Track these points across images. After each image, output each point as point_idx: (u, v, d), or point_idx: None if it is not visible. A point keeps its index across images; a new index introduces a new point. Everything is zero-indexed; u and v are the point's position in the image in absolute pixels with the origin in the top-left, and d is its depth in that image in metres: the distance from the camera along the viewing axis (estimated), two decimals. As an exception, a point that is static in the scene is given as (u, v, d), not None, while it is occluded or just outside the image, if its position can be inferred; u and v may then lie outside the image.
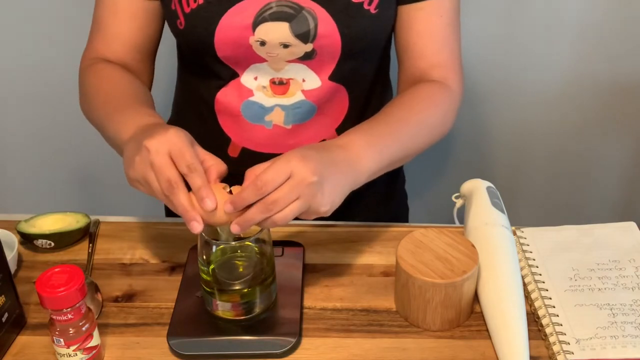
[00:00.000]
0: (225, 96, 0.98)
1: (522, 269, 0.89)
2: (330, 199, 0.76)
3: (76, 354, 0.75)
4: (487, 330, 0.81)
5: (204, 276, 0.81)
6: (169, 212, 1.18)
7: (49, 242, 0.93)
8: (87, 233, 0.96)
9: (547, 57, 1.46)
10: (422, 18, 0.94)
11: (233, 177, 1.04)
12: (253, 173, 0.76)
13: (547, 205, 1.67)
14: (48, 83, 1.52)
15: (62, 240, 0.94)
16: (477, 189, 0.93)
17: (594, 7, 1.40)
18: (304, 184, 0.73)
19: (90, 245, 0.94)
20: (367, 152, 0.82)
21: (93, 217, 0.98)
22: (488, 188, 0.93)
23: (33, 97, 1.56)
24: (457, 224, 0.98)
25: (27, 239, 0.93)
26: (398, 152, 0.87)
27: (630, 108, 1.53)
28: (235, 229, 0.75)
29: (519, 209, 1.62)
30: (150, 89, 1.02)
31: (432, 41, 0.96)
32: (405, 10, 0.95)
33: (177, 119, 1.08)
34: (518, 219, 1.05)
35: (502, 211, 0.91)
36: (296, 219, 0.76)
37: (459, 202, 0.97)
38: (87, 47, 1.00)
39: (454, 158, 1.61)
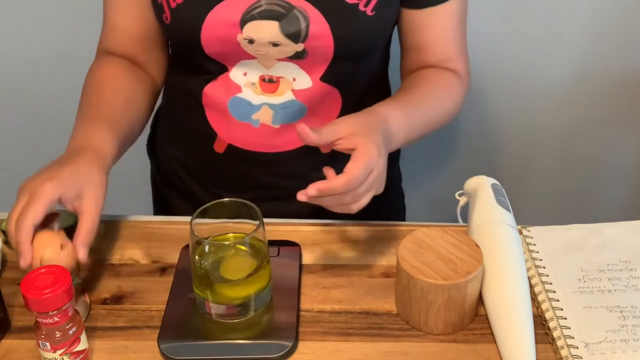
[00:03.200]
0: (212, 90, 0.97)
1: (528, 269, 0.88)
2: None
3: (63, 359, 0.74)
4: (492, 333, 0.80)
5: (196, 277, 0.80)
6: (158, 210, 1.18)
7: (34, 241, 0.91)
8: (74, 232, 0.92)
9: (555, 49, 1.46)
10: (435, 22, 0.96)
11: (218, 174, 1.04)
12: (334, 134, 0.80)
13: (555, 203, 1.68)
14: (26, 77, 1.52)
15: (48, 239, 0.92)
16: (482, 186, 0.92)
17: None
18: (380, 180, 0.81)
19: (78, 244, 0.93)
20: (399, 135, 0.88)
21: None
22: (493, 185, 0.92)
23: (11, 91, 1.55)
24: (461, 222, 0.98)
25: (12, 239, 0.91)
26: (415, 137, 0.93)
27: (640, 102, 1.53)
28: (301, 198, 0.79)
29: (525, 207, 1.60)
30: (162, 79, 1.04)
31: (443, 41, 0.98)
32: (417, 14, 0.95)
33: (166, 110, 1.08)
34: (524, 217, 1.04)
35: (508, 209, 0.90)
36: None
37: (462, 200, 0.96)
38: (99, 40, 1.02)
39: (458, 154, 1.61)
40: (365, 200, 0.80)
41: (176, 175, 1.10)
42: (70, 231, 0.93)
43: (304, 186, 1.00)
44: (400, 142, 0.89)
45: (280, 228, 0.96)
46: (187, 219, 0.83)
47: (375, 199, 1.12)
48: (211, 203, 0.81)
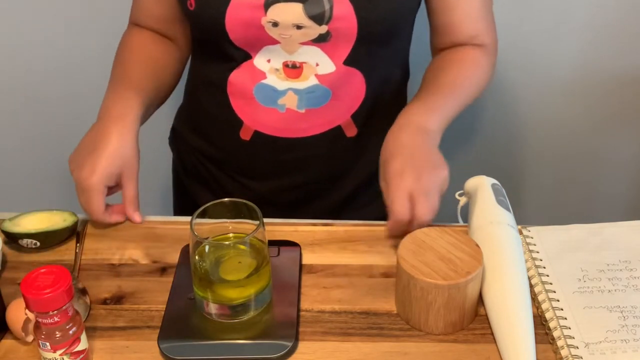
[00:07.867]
0: (237, 78, 0.98)
1: (528, 269, 0.87)
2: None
3: (63, 359, 0.74)
4: (492, 334, 0.80)
5: (196, 277, 0.80)
6: (179, 205, 1.19)
7: (34, 241, 0.91)
8: (74, 232, 0.95)
9: (555, 49, 1.46)
10: (462, 3, 0.99)
11: (244, 162, 1.06)
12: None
13: (555, 203, 1.67)
14: (31, 77, 1.51)
15: (48, 239, 0.92)
16: (482, 186, 0.92)
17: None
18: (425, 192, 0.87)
19: (78, 245, 0.93)
20: (440, 128, 0.94)
21: (80, 216, 0.97)
22: (493, 185, 0.92)
23: (15, 91, 1.54)
24: (461, 222, 0.97)
25: (12, 239, 0.92)
26: (454, 116, 0.99)
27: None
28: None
29: (525, 207, 1.62)
30: (189, 49, 1.08)
31: (471, 19, 1.01)
32: None
33: (189, 103, 1.10)
34: (524, 217, 1.04)
35: (508, 209, 0.90)
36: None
37: (462, 200, 0.96)
38: (130, 12, 1.08)
39: (458, 154, 1.61)
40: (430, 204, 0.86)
41: (201, 165, 1.10)
42: (70, 231, 0.94)
43: (328, 171, 1.03)
44: (441, 132, 0.95)
45: (280, 228, 0.95)
46: (187, 219, 0.82)
47: None
48: (211, 203, 0.81)
